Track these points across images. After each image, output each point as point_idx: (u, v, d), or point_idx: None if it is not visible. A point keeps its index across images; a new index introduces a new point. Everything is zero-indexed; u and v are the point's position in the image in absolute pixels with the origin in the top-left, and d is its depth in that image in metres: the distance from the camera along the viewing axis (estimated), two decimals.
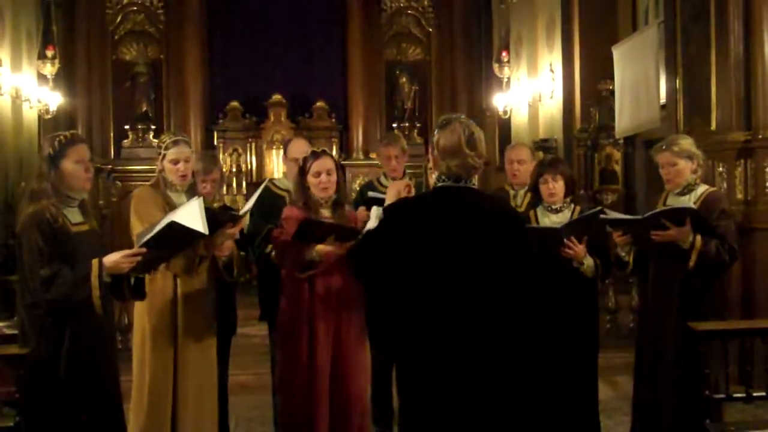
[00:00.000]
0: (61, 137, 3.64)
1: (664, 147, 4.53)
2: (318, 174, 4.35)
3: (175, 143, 4.21)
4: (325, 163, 4.38)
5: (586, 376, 4.62)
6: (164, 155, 4.19)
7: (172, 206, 4.05)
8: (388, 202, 3.70)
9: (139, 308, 4.18)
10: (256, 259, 4.97)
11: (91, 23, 13.49)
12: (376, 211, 3.63)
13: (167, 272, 4.08)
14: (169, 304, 4.16)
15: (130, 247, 3.66)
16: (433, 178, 4.83)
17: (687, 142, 4.55)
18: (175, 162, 4.18)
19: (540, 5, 11.26)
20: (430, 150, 3.16)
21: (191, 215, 3.67)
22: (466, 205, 3.06)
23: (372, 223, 3.49)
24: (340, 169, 4.57)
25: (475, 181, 3.11)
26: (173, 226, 3.56)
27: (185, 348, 4.16)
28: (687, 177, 4.48)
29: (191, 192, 4.24)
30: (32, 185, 3.64)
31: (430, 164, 3.39)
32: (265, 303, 5.01)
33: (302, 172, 4.42)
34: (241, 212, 4.25)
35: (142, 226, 3.89)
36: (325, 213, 4.39)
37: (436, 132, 3.13)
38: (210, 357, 4.29)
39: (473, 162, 3.05)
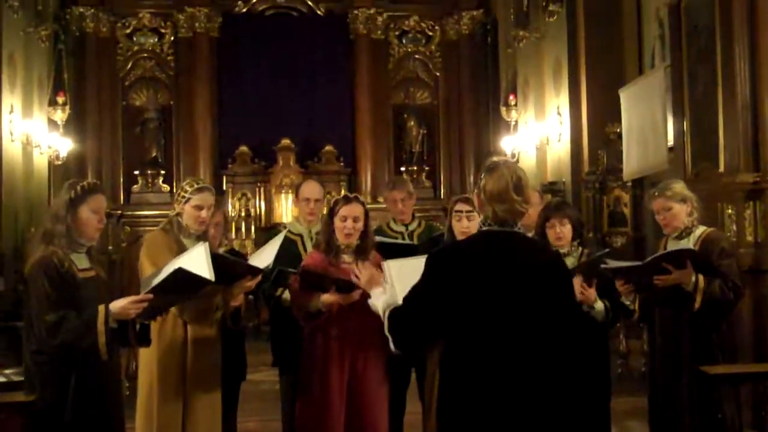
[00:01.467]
0: (84, 184, 3.69)
1: (657, 193, 4.55)
2: (344, 219, 4.33)
3: (200, 190, 4.26)
4: (353, 209, 4.36)
5: (598, 421, 4.56)
6: (188, 199, 4.22)
7: (183, 251, 4.05)
8: (365, 286, 3.57)
9: (147, 355, 4.16)
10: (266, 303, 4.95)
11: (101, 69, 13.62)
12: (388, 269, 3.57)
13: (177, 319, 4.07)
14: (178, 351, 4.15)
15: (138, 292, 3.66)
16: (467, 221, 4.84)
17: (679, 186, 4.56)
18: (199, 208, 4.22)
19: (546, 49, 11.33)
20: (476, 193, 3.12)
21: (197, 261, 3.67)
22: (515, 252, 3.01)
23: (378, 306, 3.32)
24: (368, 216, 4.49)
25: (520, 226, 3.09)
26: (180, 272, 3.55)
27: (194, 395, 4.14)
28: (683, 220, 4.48)
29: (203, 238, 4.25)
30: (47, 226, 3.66)
31: (476, 208, 3.30)
32: (277, 348, 4.99)
33: (331, 213, 4.41)
34: (262, 266, 4.25)
35: (153, 270, 3.89)
36: (347, 258, 4.34)
37: (483, 176, 3.06)
38: (217, 404, 4.25)
39: (520, 207, 3.01)
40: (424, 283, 3.03)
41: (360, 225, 4.37)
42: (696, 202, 4.53)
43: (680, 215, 4.48)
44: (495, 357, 2.90)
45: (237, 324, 4.38)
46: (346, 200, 4.41)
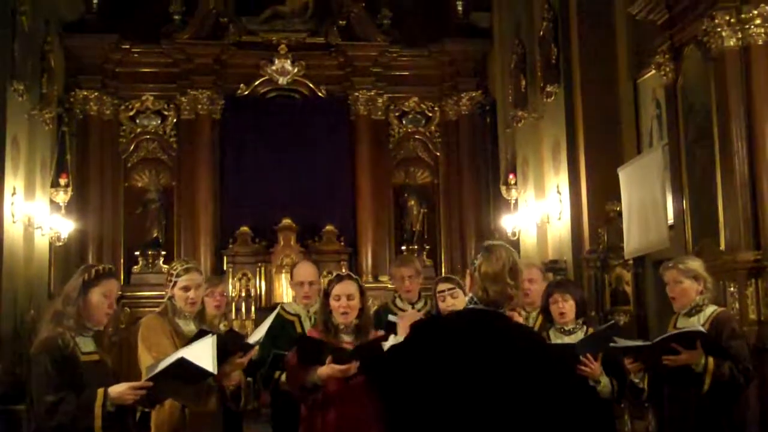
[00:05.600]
0: (99, 268, 3.74)
1: (671, 265, 4.55)
2: (338, 297, 4.29)
3: (187, 270, 4.25)
4: (346, 287, 4.33)
5: None
6: (175, 282, 4.21)
7: (180, 334, 4.04)
8: (400, 333, 3.62)
9: None
10: (265, 386, 4.89)
11: (104, 151, 13.73)
12: (394, 340, 3.57)
13: (173, 403, 4.02)
14: None
15: (138, 376, 3.63)
16: (451, 299, 4.84)
17: (695, 264, 4.55)
18: (187, 289, 4.20)
19: (545, 129, 11.44)
20: (469, 272, 3.14)
21: (202, 353, 3.66)
22: (499, 331, 3.02)
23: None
24: (364, 294, 4.48)
25: (506, 309, 3.09)
26: (182, 363, 3.53)
27: None
28: (692, 297, 4.46)
29: (199, 319, 4.23)
30: (57, 306, 3.66)
31: (466, 286, 3.34)
32: (278, 431, 4.92)
33: (326, 294, 4.39)
34: (252, 341, 4.22)
35: (150, 355, 3.87)
36: (346, 338, 4.28)
37: (479, 256, 3.11)
38: None
39: (511, 291, 3.04)
40: (402, 346, 3.12)
41: (355, 302, 4.32)
42: (710, 283, 4.51)
43: (690, 291, 4.46)
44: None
45: (239, 406, 4.32)
46: (339, 279, 4.40)
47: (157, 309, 4.36)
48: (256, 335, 4.42)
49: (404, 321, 3.91)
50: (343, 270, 13.32)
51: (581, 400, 4.19)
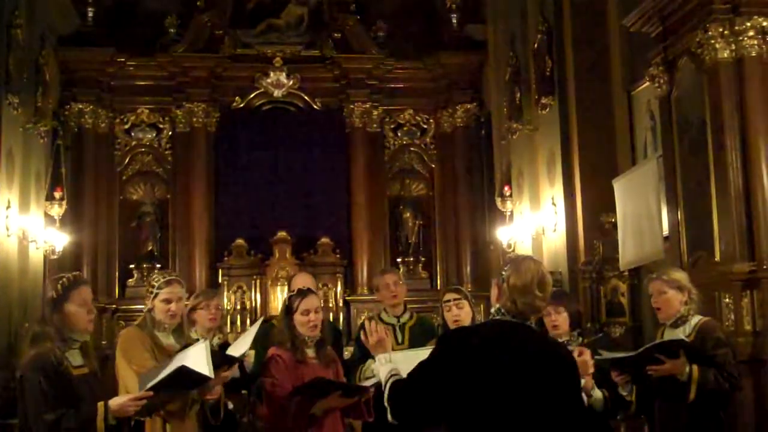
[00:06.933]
0: (64, 280, 3.64)
1: (654, 276, 4.59)
2: (307, 312, 4.35)
3: (169, 283, 4.22)
4: (313, 302, 4.41)
5: None
6: (156, 294, 4.19)
7: (159, 346, 4.03)
8: (372, 347, 3.55)
9: None
10: (260, 399, 4.87)
11: (99, 164, 13.71)
12: (382, 365, 3.54)
13: (155, 416, 4.00)
14: None
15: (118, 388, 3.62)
16: (456, 309, 4.85)
17: (679, 274, 4.59)
18: (168, 301, 4.17)
19: (540, 141, 11.46)
20: (496, 283, 3.15)
21: (198, 359, 3.65)
22: (526, 343, 3.03)
23: (382, 372, 3.29)
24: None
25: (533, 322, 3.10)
26: (183, 371, 3.52)
27: None
28: (677, 307, 4.48)
29: (178, 333, 4.21)
30: (34, 329, 3.61)
31: (492, 297, 3.33)
32: None
33: (288, 311, 4.40)
34: (237, 354, 4.20)
35: (131, 368, 3.86)
36: (310, 353, 4.37)
37: (507, 268, 3.12)
38: None
39: (540, 303, 3.05)
40: (432, 360, 3.04)
41: (321, 315, 4.43)
42: (694, 294, 4.53)
43: (673, 302, 4.48)
44: None
45: (218, 420, 4.29)
46: (302, 294, 4.44)
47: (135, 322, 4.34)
48: (240, 347, 4.40)
49: (373, 339, 3.83)
50: (339, 283, 13.35)
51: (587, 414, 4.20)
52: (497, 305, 3.11)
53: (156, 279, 4.29)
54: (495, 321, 3.08)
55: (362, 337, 3.63)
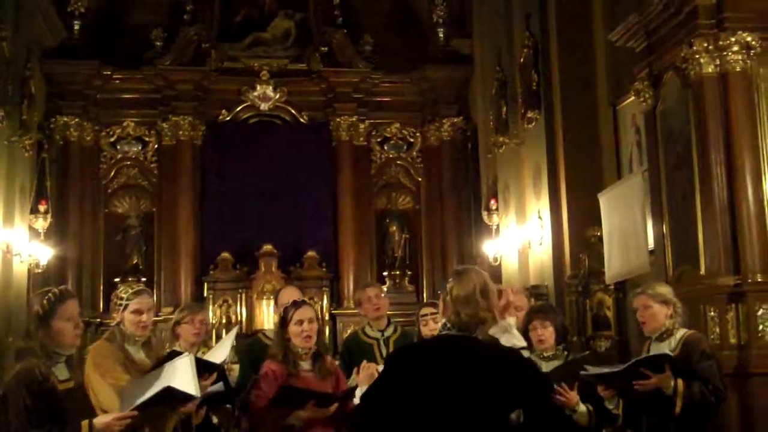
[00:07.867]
0: (50, 295, 3.56)
1: (639, 291, 4.62)
2: (301, 322, 4.32)
3: (138, 293, 4.17)
4: (307, 312, 4.37)
5: None
6: (125, 306, 4.12)
7: (131, 360, 3.98)
8: (361, 382, 3.59)
9: None
10: (244, 411, 4.85)
11: (84, 177, 13.66)
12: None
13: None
14: None
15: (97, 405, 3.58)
16: (434, 323, 4.84)
17: (663, 289, 4.62)
18: (139, 312, 4.11)
19: (526, 155, 11.49)
20: (442, 297, 3.15)
21: (184, 375, 3.62)
22: (473, 356, 3.01)
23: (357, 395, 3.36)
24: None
25: (480, 333, 3.08)
26: (168, 390, 3.50)
27: None
28: (662, 321, 4.50)
29: (148, 346, 4.17)
30: (19, 344, 3.55)
31: (440, 312, 3.35)
32: None
33: (283, 323, 4.37)
34: (218, 361, 4.17)
35: (106, 381, 3.81)
36: (304, 366, 4.32)
37: (450, 281, 3.13)
38: None
39: (483, 313, 3.04)
40: (380, 379, 3.09)
41: (315, 326, 4.38)
42: (679, 308, 4.56)
43: (659, 316, 4.51)
44: None
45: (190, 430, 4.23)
46: (296, 305, 4.42)
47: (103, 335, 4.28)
48: (219, 354, 4.36)
49: (362, 374, 3.88)
50: (325, 296, 13.32)
51: (557, 424, 4.19)
52: (443, 319, 3.12)
53: (124, 291, 4.21)
54: (440, 336, 3.09)
55: (354, 375, 3.69)
